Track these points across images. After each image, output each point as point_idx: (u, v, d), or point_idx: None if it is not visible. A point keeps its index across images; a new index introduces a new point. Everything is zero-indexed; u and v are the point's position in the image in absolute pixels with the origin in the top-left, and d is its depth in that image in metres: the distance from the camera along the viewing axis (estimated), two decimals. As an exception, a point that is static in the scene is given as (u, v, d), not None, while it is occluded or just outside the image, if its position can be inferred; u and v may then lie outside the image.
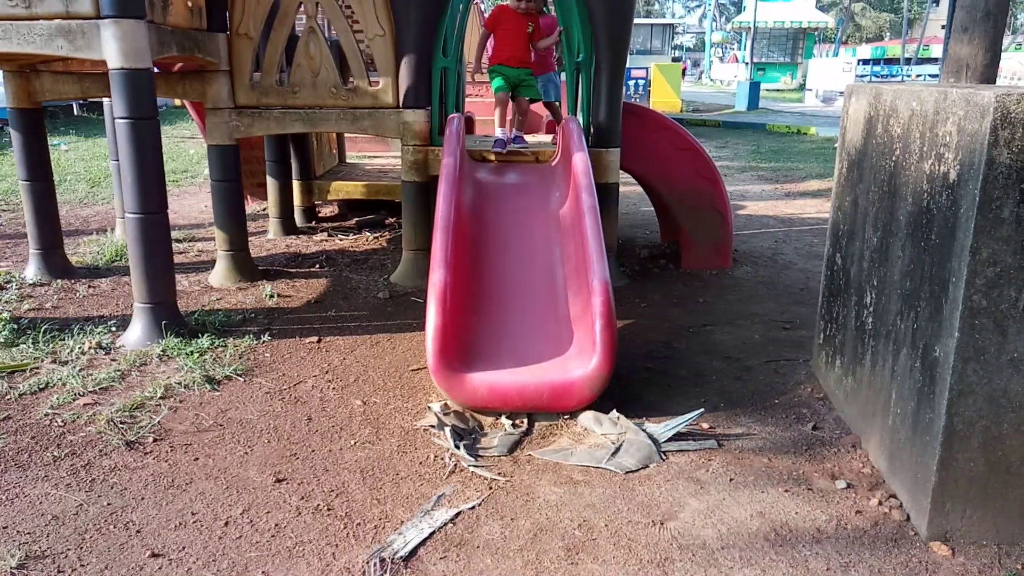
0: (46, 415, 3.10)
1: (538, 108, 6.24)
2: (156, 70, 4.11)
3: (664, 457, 2.84)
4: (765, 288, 5.03)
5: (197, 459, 2.81)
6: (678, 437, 2.96)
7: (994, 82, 7.52)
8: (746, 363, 3.77)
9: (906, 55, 38.39)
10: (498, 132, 4.95)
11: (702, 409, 3.17)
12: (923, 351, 2.39)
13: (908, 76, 31.92)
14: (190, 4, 4.28)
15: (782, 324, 4.33)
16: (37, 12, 3.57)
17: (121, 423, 3.04)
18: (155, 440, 2.93)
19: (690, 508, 2.53)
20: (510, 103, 5.02)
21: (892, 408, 2.62)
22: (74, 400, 3.23)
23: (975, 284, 2.14)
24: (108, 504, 2.52)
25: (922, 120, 2.47)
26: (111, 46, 3.55)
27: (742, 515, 2.49)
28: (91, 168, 9.63)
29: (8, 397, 3.26)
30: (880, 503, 2.54)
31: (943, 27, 16.08)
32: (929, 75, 30.25)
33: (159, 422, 3.07)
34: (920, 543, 2.34)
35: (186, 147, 12.05)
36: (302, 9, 4.73)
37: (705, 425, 3.10)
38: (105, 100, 5.62)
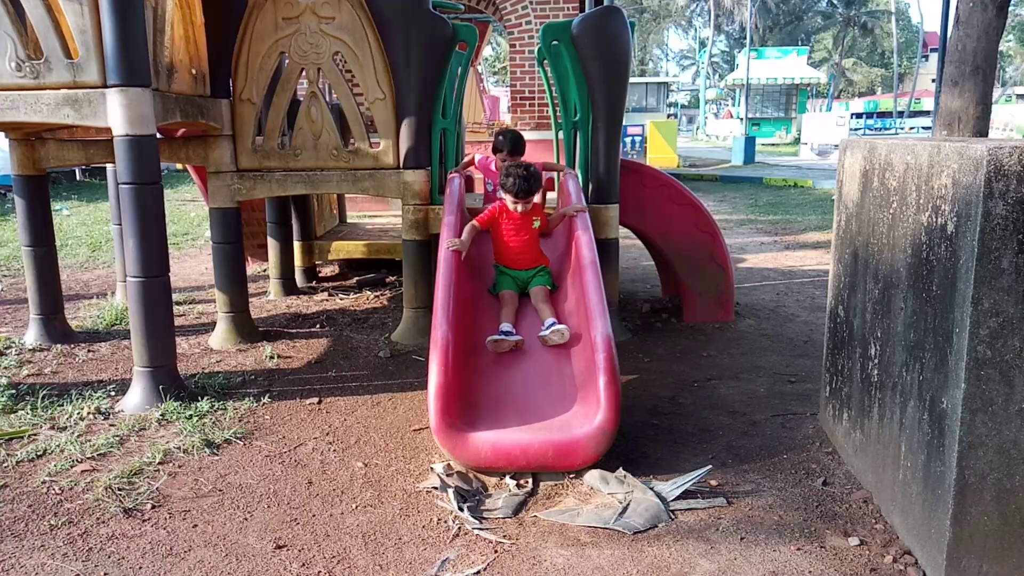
0: (43, 482, 3.05)
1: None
2: (159, 136, 4.17)
3: (673, 516, 2.79)
4: (769, 341, 5.01)
5: (196, 526, 2.76)
6: (686, 495, 2.91)
7: (986, 134, 7.63)
8: (753, 417, 3.73)
9: (898, 108, 39.08)
10: (504, 326, 3.74)
11: (710, 466, 3.12)
12: (930, 403, 2.37)
13: (902, 129, 32.40)
14: (194, 72, 4.38)
15: (787, 377, 4.30)
16: (45, 82, 3.65)
17: (119, 490, 2.99)
18: (153, 507, 2.88)
19: (701, 569, 2.47)
20: (517, 301, 3.99)
21: (902, 462, 2.58)
22: (72, 467, 3.19)
23: (979, 335, 2.13)
24: (105, 574, 2.46)
25: (917, 173, 2.49)
26: (117, 114, 3.62)
27: (754, 575, 2.43)
28: (92, 232, 9.71)
29: (6, 464, 3.21)
30: (895, 560, 2.49)
31: (933, 80, 16.39)
32: (922, 127, 30.73)
33: (157, 488, 3.02)
34: (938, 602, 2.28)
35: (187, 209, 12.17)
36: (304, 75, 4.84)
37: (713, 482, 3.05)
38: (108, 165, 5.70)
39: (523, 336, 3.70)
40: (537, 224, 4.14)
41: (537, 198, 4.18)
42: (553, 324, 3.66)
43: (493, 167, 4.96)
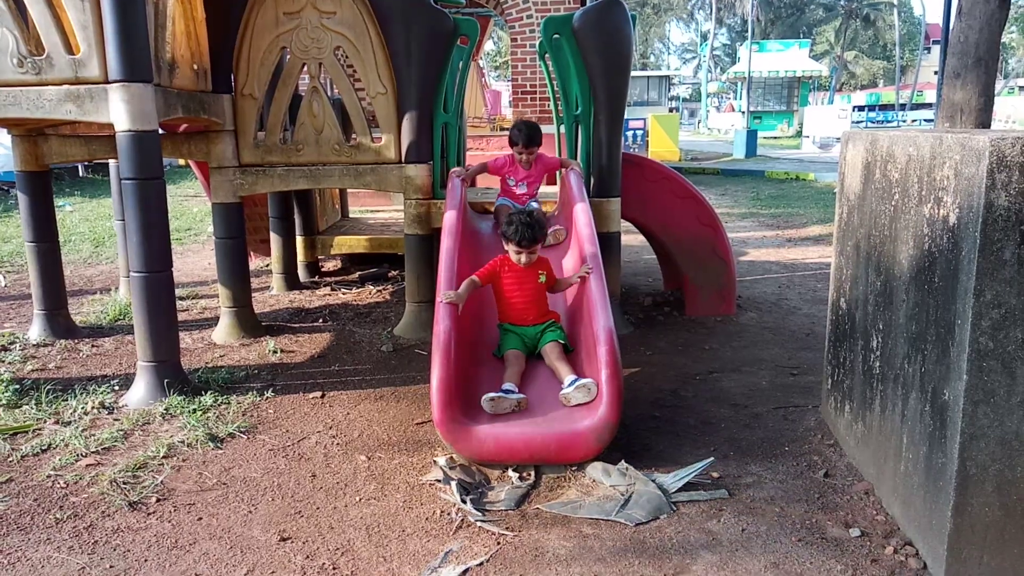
0: (48, 476, 3.07)
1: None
2: (161, 131, 4.18)
3: (675, 508, 2.80)
4: (771, 334, 5.02)
5: (200, 519, 2.77)
6: (688, 487, 2.92)
7: (989, 126, 7.62)
8: (754, 410, 3.74)
9: (901, 101, 38.97)
10: (507, 385, 3.31)
11: (712, 458, 3.13)
12: (932, 394, 2.37)
13: (904, 121, 32.34)
14: (196, 67, 4.38)
15: (789, 370, 4.31)
16: (47, 78, 3.66)
17: (124, 483, 3.01)
18: (158, 500, 2.90)
19: (703, 560, 2.48)
20: (524, 362, 3.54)
21: (903, 453, 2.59)
22: (76, 461, 3.20)
23: (981, 326, 2.14)
24: (111, 567, 2.47)
25: (919, 165, 2.49)
26: (119, 109, 3.62)
27: (756, 567, 2.44)
28: (95, 228, 9.73)
29: (11, 459, 3.23)
30: (896, 551, 2.49)
31: (935, 73, 16.35)
32: (924, 120, 30.67)
33: (162, 482, 3.04)
34: (939, 592, 2.29)
35: (190, 205, 12.18)
36: (305, 70, 4.84)
37: (715, 474, 3.06)
38: (111, 161, 5.71)
39: (528, 395, 3.30)
40: (543, 279, 3.68)
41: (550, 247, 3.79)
42: (576, 379, 3.22)
43: (509, 161, 4.71)
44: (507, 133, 4.78)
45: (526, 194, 4.72)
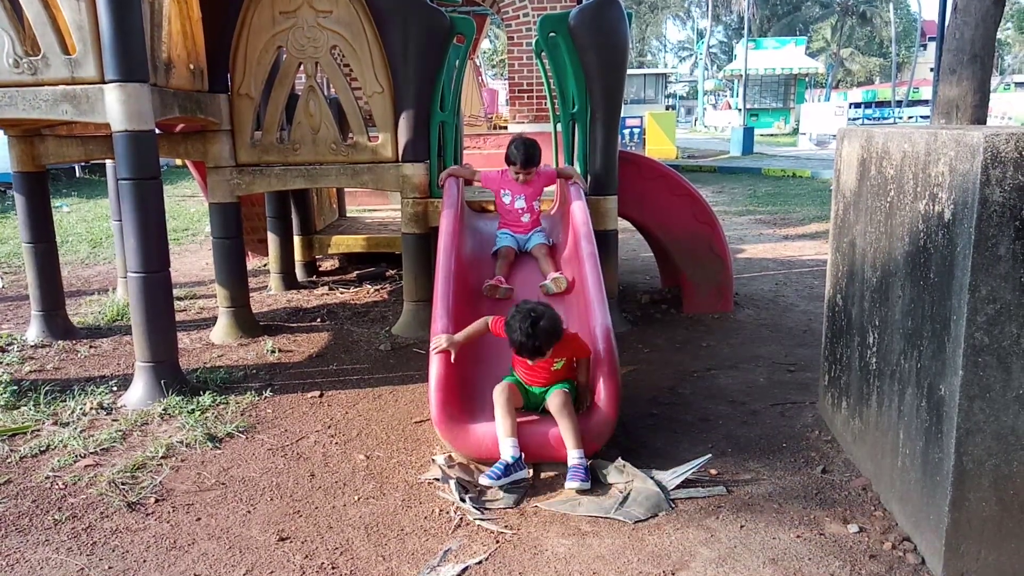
0: (47, 478, 3.07)
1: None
2: (158, 131, 4.17)
3: (673, 505, 2.81)
4: (768, 331, 5.02)
5: (199, 519, 2.77)
6: (686, 484, 2.93)
7: (984, 122, 7.63)
8: (752, 407, 3.74)
9: (897, 97, 39.03)
10: (505, 450, 2.94)
11: (709, 455, 3.14)
12: (928, 390, 2.38)
13: (900, 118, 32.37)
14: (192, 67, 4.38)
15: (786, 366, 4.31)
16: (43, 79, 3.65)
17: (122, 484, 3.01)
18: (156, 501, 2.90)
19: (701, 557, 2.49)
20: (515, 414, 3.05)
21: (901, 449, 2.60)
22: (75, 462, 3.20)
23: (976, 321, 2.14)
24: (109, 568, 2.48)
25: (914, 161, 2.50)
26: (115, 110, 3.62)
27: (754, 563, 2.45)
28: (93, 229, 9.71)
29: (9, 460, 3.23)
30: (894, 547, 2.50)
31: (931, 69, 16.36)
32: (921, 116, 30.72)
33: (160, 482, 3.04)
34: (937, 587, 2.30)
35: (187, 205, 12.17)
36: (302, 69, 4.84)
37: (713, 471, 3.06)
38: (108, 161, 5.70)
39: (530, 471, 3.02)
40: (559, 366, 3.15)
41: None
42: (575, 467, 2.91)
43: (504, 173, 4.48)
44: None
45: (525, 210, 4.42)
